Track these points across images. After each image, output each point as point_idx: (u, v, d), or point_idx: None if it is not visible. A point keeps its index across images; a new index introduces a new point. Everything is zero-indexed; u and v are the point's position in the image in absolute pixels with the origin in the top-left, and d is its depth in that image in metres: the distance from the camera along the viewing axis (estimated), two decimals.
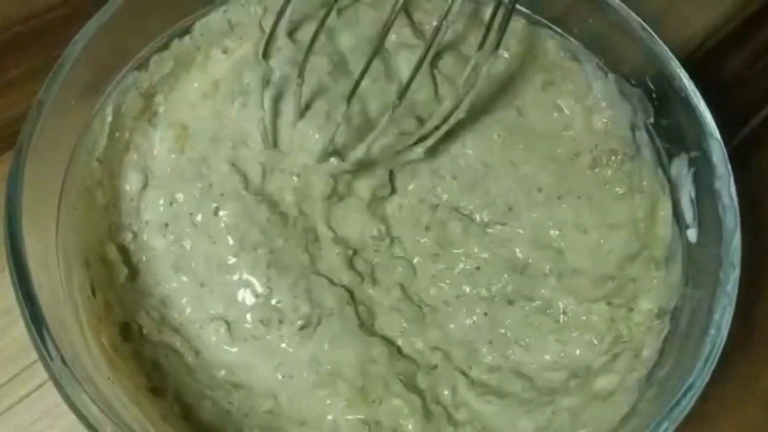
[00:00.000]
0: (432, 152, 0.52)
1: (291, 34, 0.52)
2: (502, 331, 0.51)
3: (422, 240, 0.54)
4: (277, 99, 0.51)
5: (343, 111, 0.45)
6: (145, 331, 0.47)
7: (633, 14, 0.50)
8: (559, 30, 0.54)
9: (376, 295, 0.52)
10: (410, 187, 0.55)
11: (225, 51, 0.52)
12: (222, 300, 0.49)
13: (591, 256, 0.52)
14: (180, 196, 0.50)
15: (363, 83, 0.46)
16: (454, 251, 0.54)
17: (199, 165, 0.51)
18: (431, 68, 0.53)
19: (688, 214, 0.47)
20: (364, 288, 0.52)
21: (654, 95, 0.50)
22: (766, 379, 0.56)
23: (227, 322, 0.48)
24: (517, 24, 0.54)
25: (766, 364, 0.56)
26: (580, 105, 0.55)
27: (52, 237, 0.43)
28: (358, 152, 0.48)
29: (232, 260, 0.49)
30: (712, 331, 0.40)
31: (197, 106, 0.52)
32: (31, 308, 0.38)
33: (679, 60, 0.48)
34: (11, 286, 0.52)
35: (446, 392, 0.49)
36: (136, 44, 0.49)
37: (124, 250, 0.49)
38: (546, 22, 0.54)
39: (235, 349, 0.48)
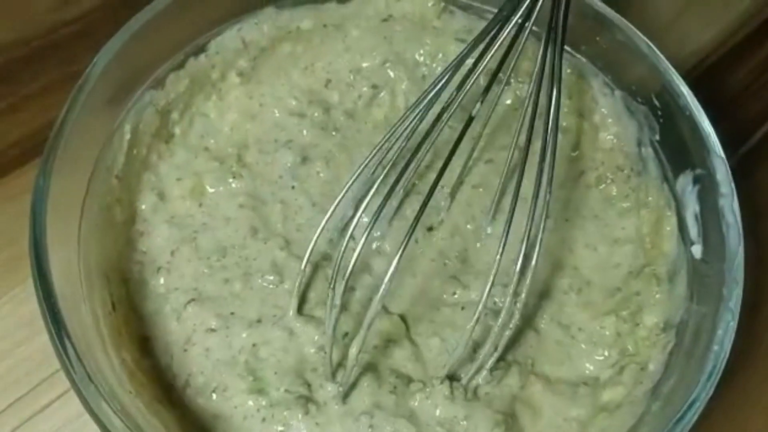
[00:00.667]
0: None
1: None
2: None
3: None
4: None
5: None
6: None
7: (639, 33, 0.51)
8: (566, 47, 0.55)
9: None
10: None
11: (240, 74, 0.54)
12: None
13: (601, 270, 0.53)
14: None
15: None
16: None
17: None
18: None
19: (693, 230, 0.48)
20: None
21: (659, 113, 0.51)
22: None
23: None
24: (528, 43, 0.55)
25: None
26: (587, 122, 0.56)
27: (75, 251, 0.44)
28: None
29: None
30: (716, 347, 0.41)
31: None
32: (54, 320, 0.38)
33: (683, 74, 0.49)
34: (30, 297, 0.54)
35: None
36: (153, 63, 0.50)
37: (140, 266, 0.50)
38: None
39: None
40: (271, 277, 0.50)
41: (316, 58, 0.58)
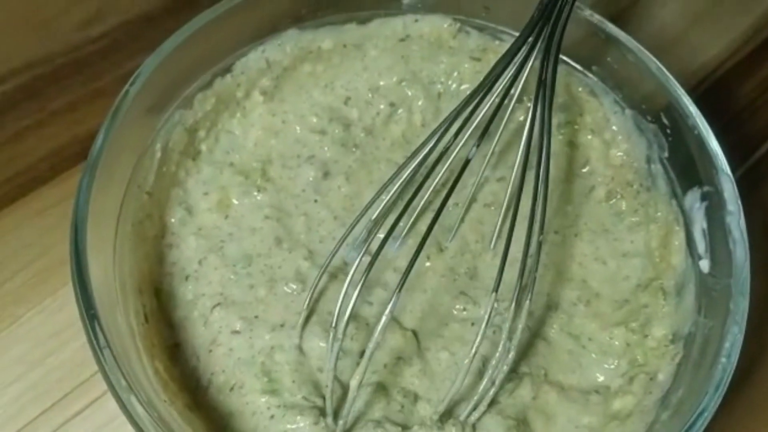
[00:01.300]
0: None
1: None
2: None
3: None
4: None
5: None
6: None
7: (648, 54, 0.52)
8: (579, 67, 0.57)
9: None
10: None
11: (264, 92, 0.56)
12: None
13: (610, 282, 0.54)
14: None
15: None
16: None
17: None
18: None
19: (701, 245, 0.49)
20: None
21: (668, 131, 0.52)
22: None
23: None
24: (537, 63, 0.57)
25: None
26: (598, 138, 0.57)
27: (111, 265, 0.45)
28: None
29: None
30: (723, 359, 0.42)
31: None
32: (94, 329, 0.40)
33: (690, 88, 0.51)
34: (61, 308, 0.56)
35: None
36: (183, 83, 0.52)
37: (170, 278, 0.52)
38: (566, 59, 0.56)
39: None
40: (295, 285, 0.52)
41: (336, 77, 0.60)
